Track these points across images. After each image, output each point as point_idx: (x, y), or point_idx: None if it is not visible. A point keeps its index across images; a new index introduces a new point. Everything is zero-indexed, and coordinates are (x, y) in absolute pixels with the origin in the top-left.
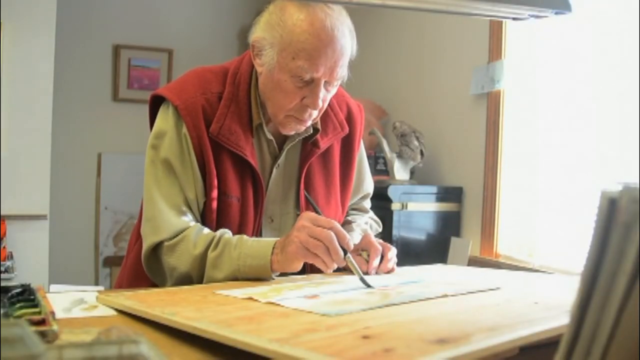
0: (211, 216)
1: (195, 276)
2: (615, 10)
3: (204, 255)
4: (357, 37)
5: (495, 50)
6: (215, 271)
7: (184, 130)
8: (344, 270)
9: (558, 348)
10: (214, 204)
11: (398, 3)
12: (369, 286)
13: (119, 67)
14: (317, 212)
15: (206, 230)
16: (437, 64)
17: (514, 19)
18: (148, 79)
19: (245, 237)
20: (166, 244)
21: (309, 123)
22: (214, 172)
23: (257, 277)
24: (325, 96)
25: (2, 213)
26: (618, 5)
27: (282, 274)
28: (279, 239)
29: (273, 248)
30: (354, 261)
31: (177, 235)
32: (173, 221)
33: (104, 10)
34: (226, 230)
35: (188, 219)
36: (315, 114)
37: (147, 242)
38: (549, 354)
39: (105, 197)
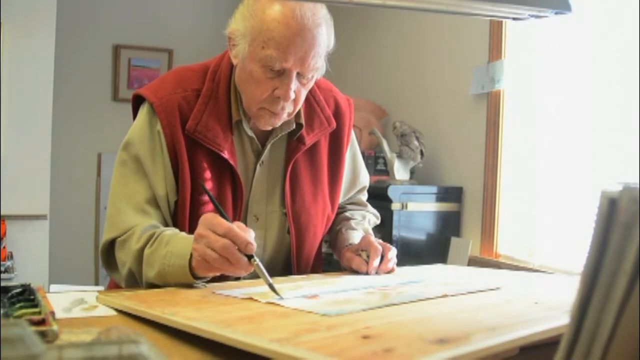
0: (184, 215)
1: (136, 272)
2: (615, 10)
3: (141, 252)
4: (357, 37)
5: (495, 50)
6: (148, 268)
7: (158, 127)
8: (343, 270)
9: (558, 348)
10: (187, 203)
11: (398, 3)
12: (278, 295)
13: (119, 67)
14: (217, 209)
15: (157, 227)
16: (437, 64)
17: (514, 19)
18: (148, 79)
19: (181, 234)
20: (118, 240)
21: (284, 116)
22: (187, 170)
23: (181, 280)
24: (299, 89)
25: (2, 213)
26: (618, 5)
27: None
28: None
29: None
30: (261, 266)
31: (128, 232)
32: (129, 219)
33: (104, 10)
34: (171, 227)
35: (147, 217)
36: (289, 107)
37: (103, 240)
38: (549, 354)
39: (105, 197)
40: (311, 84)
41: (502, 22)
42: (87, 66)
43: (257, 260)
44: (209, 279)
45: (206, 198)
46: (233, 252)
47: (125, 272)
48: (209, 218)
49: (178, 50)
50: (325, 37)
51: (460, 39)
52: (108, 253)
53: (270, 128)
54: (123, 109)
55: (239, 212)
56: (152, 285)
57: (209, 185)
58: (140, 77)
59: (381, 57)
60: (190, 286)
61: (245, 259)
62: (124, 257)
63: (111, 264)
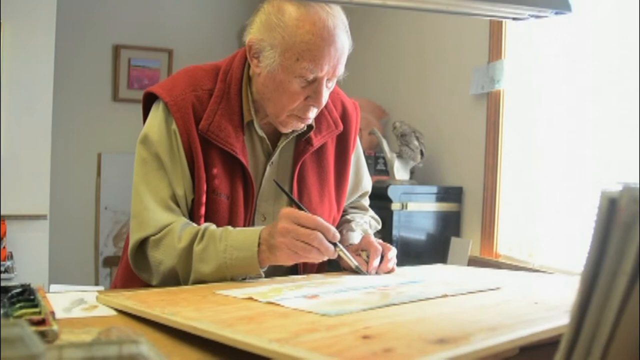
0: (200, 214)
1: (180, 270)
2: (615, 10)
3: (189, 249)
4: (357, 37)
5: (495, 50)
6: (202, 265)
7: (174, 126)
8: (343, 270)
9: (558, 348)
10: (203, 202)
11: (398, 3)
12: (364, 273)
13: (119, 67)
14: (297, 205)
15: (192, 224)
16: (437, 64)
17: (514, 19)
18: (148, 79)
19: (229, 228)
20: (152, 238)
21: (310, 121)
22: (203, 169)
23: (244, 273)
24: (326, 93)
25: (2, 213)
26: (618, 5)
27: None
28: (263, 227)
29: (259, 239)
30: (345, 251)
31: (162, 230)
32: (158, 216)
33: (104, 10)
34: (211, 223)
35: (174, 214)
36: (316, 111)
37: (133, 238)
38: (549, 354)
39: (105, 197)
40: (333, 86)
41: (502, 22)
42: (87, 66)
43: (341, 246)
44: (265, 268)
45: (219, 197)
46: (324, 242)
47: (163, 270)
48: (292, 212)
49: (178, 50)
50: (348, 42)
51: (460, 39)
52: (137, 252)
53: (291, 130)
54: (123, 109)
55: (249, 211)
56: (200, 282)
57: (223, 185)
58: (140, 77)
59: (381, 57)
60: (191, 286)
61: (332, 246)
62: (160, 256)
63: (140, 263)
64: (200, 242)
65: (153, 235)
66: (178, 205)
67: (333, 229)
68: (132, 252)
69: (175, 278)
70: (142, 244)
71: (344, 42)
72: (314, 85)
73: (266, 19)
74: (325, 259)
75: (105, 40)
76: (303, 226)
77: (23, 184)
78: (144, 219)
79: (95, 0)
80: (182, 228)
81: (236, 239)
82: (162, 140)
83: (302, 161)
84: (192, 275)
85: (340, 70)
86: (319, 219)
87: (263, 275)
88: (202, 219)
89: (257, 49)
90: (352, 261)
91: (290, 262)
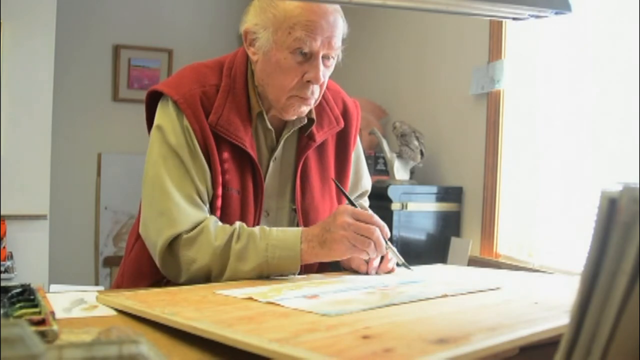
0: (216, 209)
1: (215, 268)
2: (615, 10)
3: (226, 248)
4: (357, 37)
5: (495, 50)
6: (240, 263)
7: (186, 122)
8: (343, 270)
9: (558, 348)
10: (219, 196)
11: (398, 3)
12: (410, 269)
13: (119, 67)
14: (350, 202)
15: (220, 223)
16: (437, 63)
17: (514, 19)
18: (148, 79)
19: (266, 228)
20: (185, 236)
21: (312, 102)
22: (218, 163)
23: (284, 271)
24: (324, 72)
25: (2, 213)
26: (618, 5)
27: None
28: (303, 228)
29: (300, 238)
30: (394, 248)
31: (195, 227)
32: (190, 213)
33: (104, 10)
34: (243, 223)
35: (203, 211)
36: (317, 91)
37: (164, 235)
38: (549, 354)
39: (105, 197)
40: (332, 67)
41: (502, 22)
42: (87, 66)
43: (390, 244)
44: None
45: (231, 192)
46: (381, 238)
47: (195, 269)
48: (349, 209)
49: (178, 50)
50: (342, 22)
51: (460, 39)
52: (165, 250)
53: (295, 117)
54: (123, 109)
55: (258, 206)
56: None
57: (234, 180)
58: (140, 77)
59: (381, 57)
60: (191, 286)
61: (384, 243)
62: (194, 254)
63: (168, 261)
64: (238, 240)
65: (186, 232)
66: (203, 201)
67: (386, 226)
68: (162, 250)
69: (206, 276)
70: (172, 242)
71: (336, 17)
72: (310, 61)
73: (258, 5)
74: (375, 255)
75: (105, 40)
76: (361, 221)
77: (23, 184)
78: (175, 216)
79: (95, 0)
80: (214, 226)
81: (278, 238)
82: (178, 137)
83: (304, 157)
84: (227, 274)
85: (336, 44)
86: (375, 215)
87: (296, 274)
88: (218, 214)
89: (252, 34)
90: (399, 258)
91: (344, 256)
